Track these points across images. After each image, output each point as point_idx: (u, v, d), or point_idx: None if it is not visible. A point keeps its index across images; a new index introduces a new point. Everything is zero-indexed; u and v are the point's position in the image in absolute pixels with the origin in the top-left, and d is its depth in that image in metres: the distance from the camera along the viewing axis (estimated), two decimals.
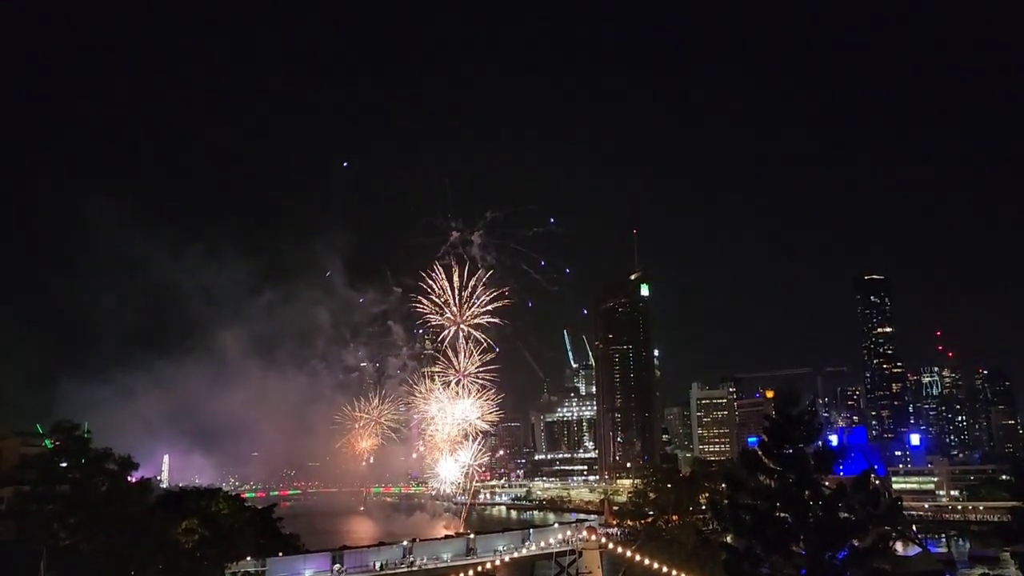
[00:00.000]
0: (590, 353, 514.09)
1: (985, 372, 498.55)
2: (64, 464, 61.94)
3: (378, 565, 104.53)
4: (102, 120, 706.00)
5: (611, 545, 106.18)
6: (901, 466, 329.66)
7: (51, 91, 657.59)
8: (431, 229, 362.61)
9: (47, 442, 70.82)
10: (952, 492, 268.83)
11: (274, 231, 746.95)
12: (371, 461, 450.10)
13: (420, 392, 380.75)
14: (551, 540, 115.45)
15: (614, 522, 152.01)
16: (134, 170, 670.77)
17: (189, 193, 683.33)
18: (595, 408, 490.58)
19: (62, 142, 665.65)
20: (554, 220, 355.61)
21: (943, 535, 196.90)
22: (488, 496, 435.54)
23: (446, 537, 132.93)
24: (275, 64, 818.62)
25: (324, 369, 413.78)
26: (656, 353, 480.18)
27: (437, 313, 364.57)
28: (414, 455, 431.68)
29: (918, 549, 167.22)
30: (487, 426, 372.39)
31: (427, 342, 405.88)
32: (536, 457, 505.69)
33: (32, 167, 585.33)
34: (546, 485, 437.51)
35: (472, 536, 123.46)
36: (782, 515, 43.81)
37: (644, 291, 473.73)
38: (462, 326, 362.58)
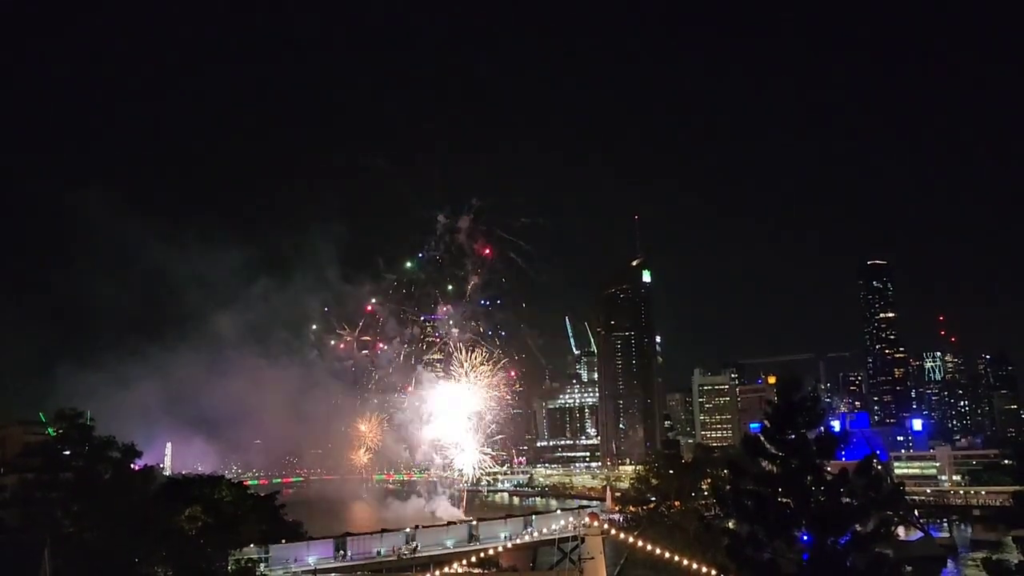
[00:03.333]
0: (592, 340, 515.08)
1: (988, 357, 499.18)
2: (67, 452, 62.02)
3: (381, 552, 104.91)
4: (96, 110, 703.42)
5: (613, 531, 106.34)
6: (903, 451, 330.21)
7: (43, 81, 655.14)
8: (422, 222, 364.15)
9: (50, 430, 70.88)
10: (954, 477, 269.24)
11: (268, 220, 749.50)
12: (373, 448, 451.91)
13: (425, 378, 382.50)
14: (554, 526, 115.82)
15: (616, 508, 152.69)
16: (127, 159, 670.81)
17: (182, 182, 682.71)
18: (597, 395, 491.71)
19: (55, 132, 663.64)
20: (543, 218, 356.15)
21: (945, 520, 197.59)
22: (491, 483, 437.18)
23: (449, 524, 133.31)
24: (269, 54, 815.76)
25: (319, 358, 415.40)
26: (658, 339, 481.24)
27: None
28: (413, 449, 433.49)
29: (920, 534, 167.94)
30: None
31: (427, 328, 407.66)
32: (538, 444, 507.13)
33: (24, 157, 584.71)
34: (548, 472, 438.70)
35: (475, 522, 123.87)
36: (784, 500, 43.84)
37: (646, 277, 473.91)
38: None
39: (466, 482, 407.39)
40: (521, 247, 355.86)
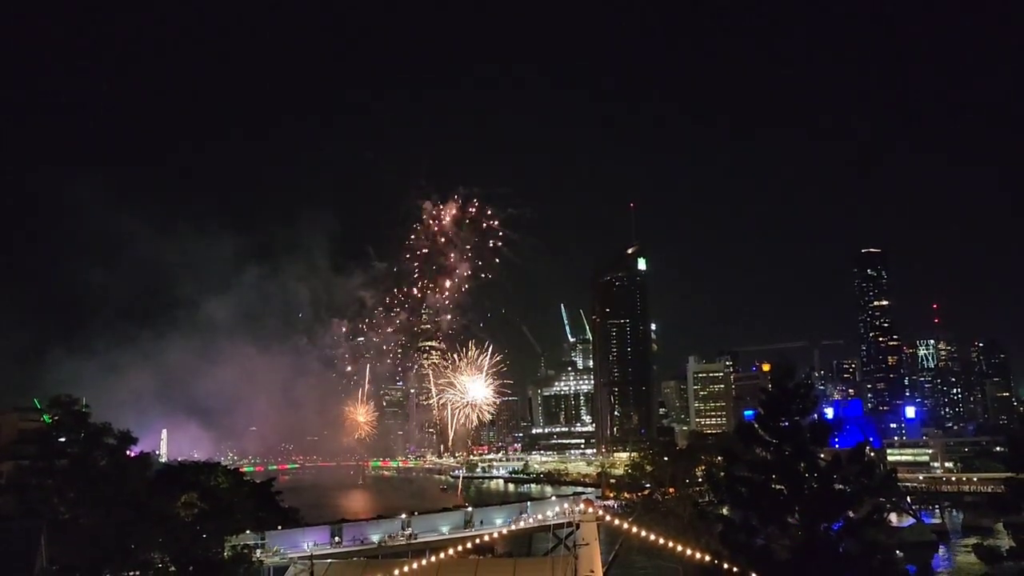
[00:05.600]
0: (587, 327, 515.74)
1: (980, 345, 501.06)
2: (63, 439, 61.96)
3: (377, 538, 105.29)
4: (89, 100, 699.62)
5: (608, 517, 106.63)
6: (896, 438, 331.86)
7: (35, 71, 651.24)
8: (412, 212, 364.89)
9: (45, 417, 70.77)
10: (946, 464, 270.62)
11: (260, 209, 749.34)
12: (368, 435, 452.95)
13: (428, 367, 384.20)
14: (549, 513, 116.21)
15: (611, 495, 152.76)
16: (119, 148, 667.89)
17: (174, 171, 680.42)
18: (592, 382, 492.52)
19: (47, 121, 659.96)
20: (531, 208, 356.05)
21: (937, 506, 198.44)
22: (486, 469, 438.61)
23: (444, 510, 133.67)
24: (262, 43, 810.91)
25: (311, 345, 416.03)
26: (653, 327, 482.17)
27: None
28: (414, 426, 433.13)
29: (912, 520, 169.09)
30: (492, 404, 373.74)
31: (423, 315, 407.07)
32: (533, 431, 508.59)
33: (16, 144, 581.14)
34: (543, 459, 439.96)
35: (470, 509, 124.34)
36: (778, 487, 44.08)
37: (641, 265, 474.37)
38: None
39: (461, 468, 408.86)
40: (508, 236, 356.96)
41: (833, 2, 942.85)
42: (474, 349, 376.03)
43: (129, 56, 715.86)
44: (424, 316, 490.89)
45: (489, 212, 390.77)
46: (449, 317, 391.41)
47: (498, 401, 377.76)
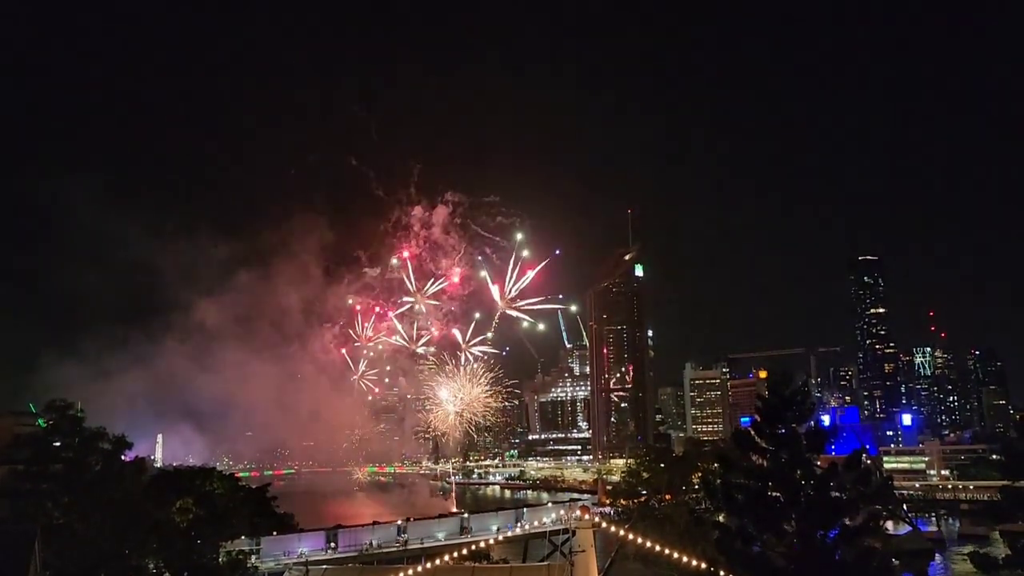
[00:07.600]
0: (584, 333, 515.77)
1: (977, 352, 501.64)
2: (58, 443, 61.80)
3: (372, 544, 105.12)
4: (80, 101, 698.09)
5: (604, 524, 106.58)
6: (892, 446, 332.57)
7: (25, 71, 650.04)
8: (406, 216, 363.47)
9: (40, 421, 70.58)
10: (943, 472, 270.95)
11: (251, 213, 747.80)
12: (365, 440, 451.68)
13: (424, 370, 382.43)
14: (545, 519, 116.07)
15: (607, 501, 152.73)
16: (111, 150, 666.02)
17: (167, 174, 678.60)
18: (589, 388, 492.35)
19: (37, 122, 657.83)
20: (520, 218, 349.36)
21: (933, 514, 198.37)
22: (482, 475, 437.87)
23: (440, 516, 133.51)
24: (256, 44, 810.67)
25: (304, 350, 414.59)
26: (650, 333, 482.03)
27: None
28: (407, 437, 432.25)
29: (908, 528, 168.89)
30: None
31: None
32: (530, 437, 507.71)
33: (7, 147, 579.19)
34: (540, 465, 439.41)
35: (466, 515, 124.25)
36: (774, 494, 44.08)
37: (639, 271, 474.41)
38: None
39: (457, 474, 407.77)
40: (497, 243, 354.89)
41: (830, 6, 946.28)
42: (468, 354, 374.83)
43: (123, 58, 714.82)
44: (418, 321, 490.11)
45: (484, 216, 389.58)
46: (439, 323, 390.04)
47: (494, 403, 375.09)
